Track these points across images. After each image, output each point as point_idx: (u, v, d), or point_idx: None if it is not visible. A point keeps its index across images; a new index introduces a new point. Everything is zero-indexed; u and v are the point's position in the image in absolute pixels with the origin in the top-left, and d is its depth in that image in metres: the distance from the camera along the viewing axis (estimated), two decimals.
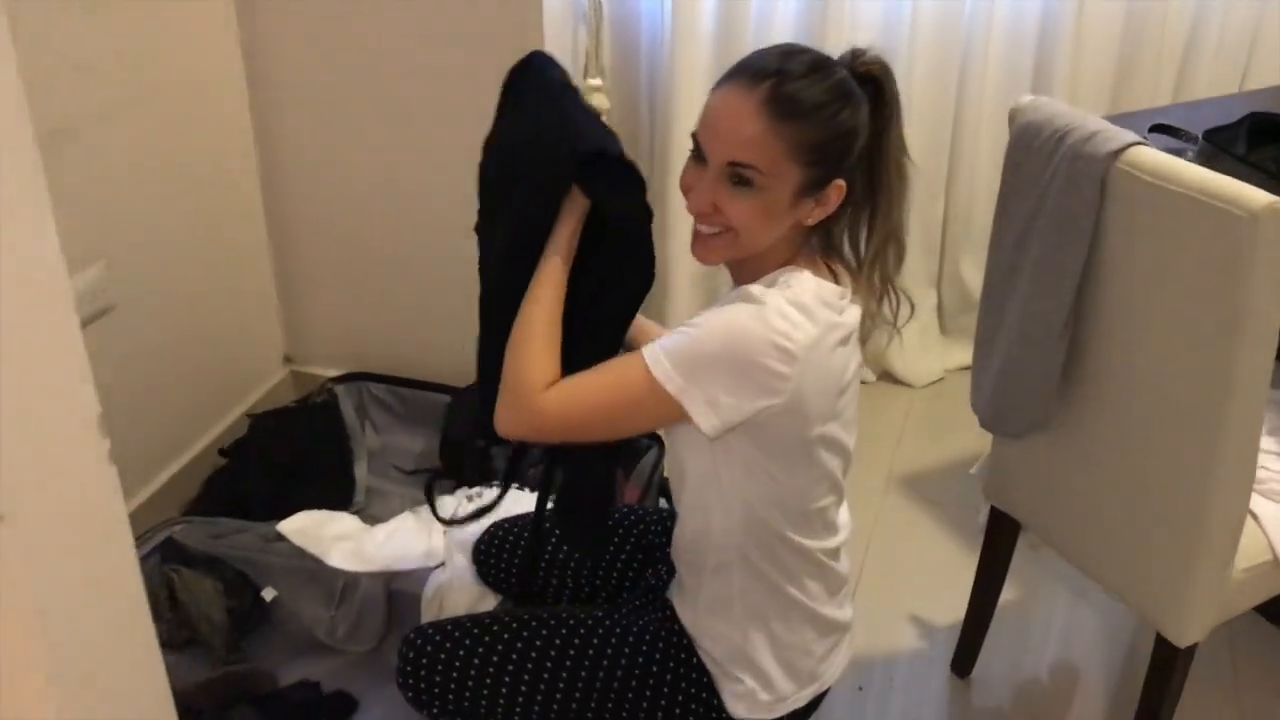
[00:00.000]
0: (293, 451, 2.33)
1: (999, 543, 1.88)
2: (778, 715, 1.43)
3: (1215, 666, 1.96)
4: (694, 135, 1.29)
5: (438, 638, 1.50)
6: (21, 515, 0.97)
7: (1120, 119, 1.75)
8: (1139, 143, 1.38)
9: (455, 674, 1.46)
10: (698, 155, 1.28)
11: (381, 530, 2.05)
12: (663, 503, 2.22)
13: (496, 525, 1.80)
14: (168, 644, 2.02)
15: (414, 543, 2.02)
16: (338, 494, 2.33)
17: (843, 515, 1.45)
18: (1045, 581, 2.17)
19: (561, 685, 1.45)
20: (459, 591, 1.91)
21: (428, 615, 1.92)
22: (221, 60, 2.30)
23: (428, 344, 2.52)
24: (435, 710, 1.47)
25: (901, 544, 2.12)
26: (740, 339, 1.22)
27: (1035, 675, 2.01)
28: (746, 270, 1.34)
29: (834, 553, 1.43)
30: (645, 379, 1.24)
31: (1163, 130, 1.82)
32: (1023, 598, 2.09)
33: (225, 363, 2.45)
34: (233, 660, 1.97)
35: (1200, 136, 1.75)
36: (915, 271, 2.73)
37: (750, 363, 1.21)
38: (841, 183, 1.28)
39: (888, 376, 2.82)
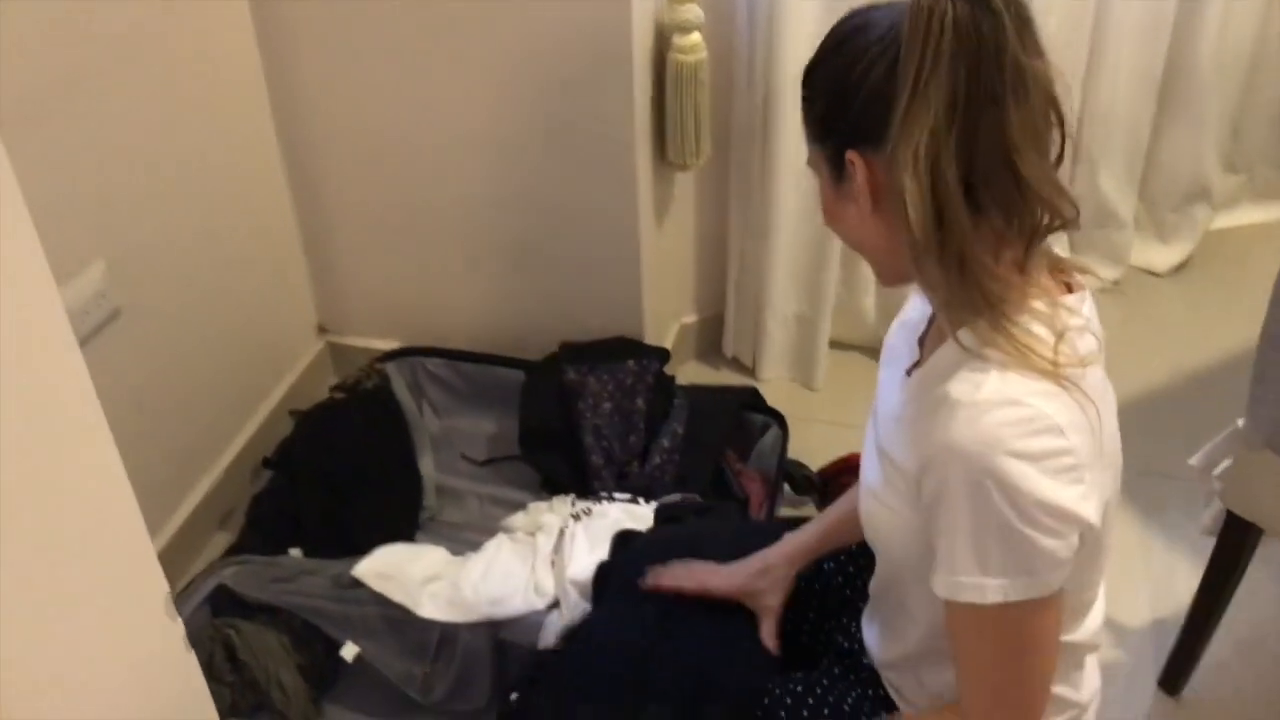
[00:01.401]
0: (347, 453, 1.97)
1: (1235, 551, 1.55)
2: None
3: None
4: None
5: None
6: None
7: None
8: None
9: None
10: None
11: (476, 565, 1.70)
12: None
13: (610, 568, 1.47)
14: (232, 710, 1.70)
15: (516, 577, 1.68)
16: (403, 499, 1.99)
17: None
18: (1266, 577, 1.85)
19: None
20: None
21: None
22: (228, 6, 1.85)
23: (483, 308, 2.14)
24: None
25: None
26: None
27: (1260, 697, 1.72)
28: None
29: (1096, 635, 1.11)
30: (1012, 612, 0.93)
31: None
32: (1249, 604, 1.76)
33: (253, 343, 2.07)
34: None
35: None
36: None
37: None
38: (852, 154, 0.96)
39: None
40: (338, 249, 2.15)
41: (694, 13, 1.81)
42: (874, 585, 1.19)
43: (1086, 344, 0.95)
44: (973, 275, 0.92)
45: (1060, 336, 0.93)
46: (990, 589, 0.93)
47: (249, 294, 2.04)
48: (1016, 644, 0.96)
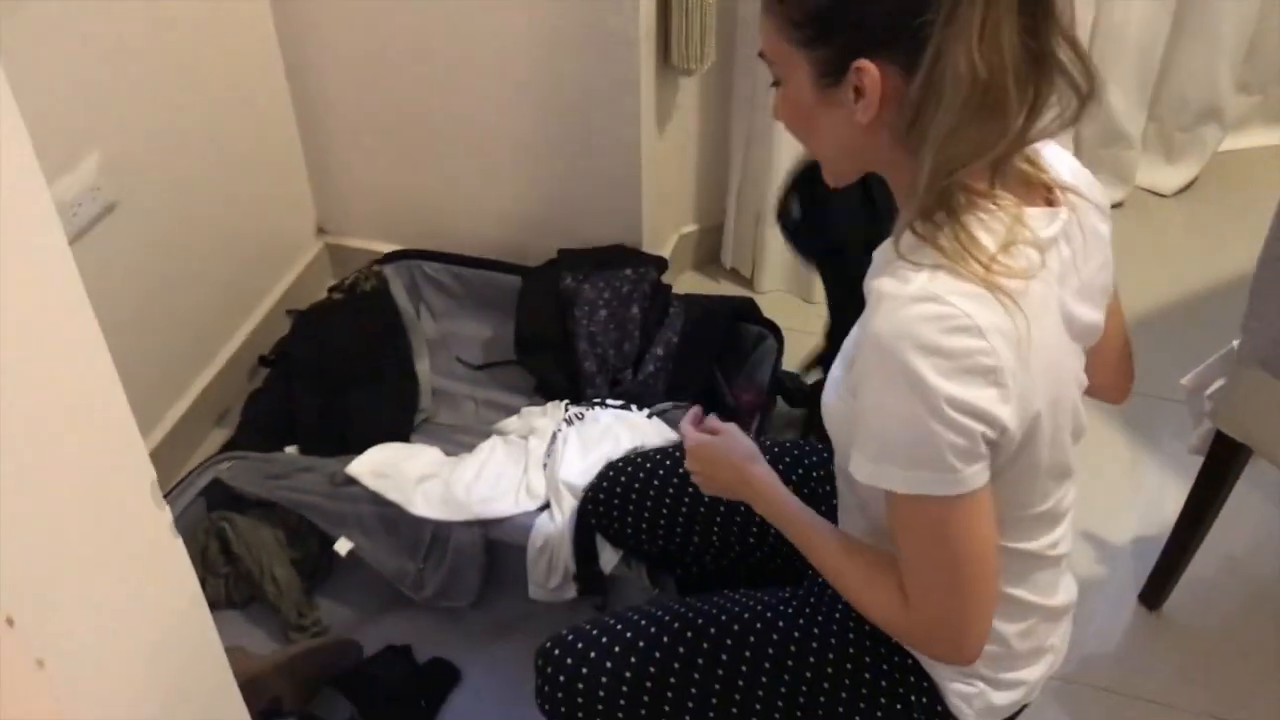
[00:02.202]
0: (343, 351, 1.98)
1: (1222, 471, 1.57)
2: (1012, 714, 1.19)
3: None
4: None
5: (580, 646, 1.22)
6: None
7: None
8: None
9: (605, 691, 1.19)
10: None
11: (469, 466, 1.72)
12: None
13: (610, 465, 1.49)
14: (227, 602, 1.73)
15: (508, 478, 1.70)
16: (400, 399, 2.00)
17: (1069, 496, 1.13)
18: (1262, 507, 1.86)
19: (738, 697, 1.18)
20: (566, 546, 1.61)
21: (536, 570, 1.64)
22: None
23: (482, 212, 2.13)
24: None
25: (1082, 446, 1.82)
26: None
27: (1241, 614, 1.74)
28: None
29: (1054, 548, 1.13)
30: (958, 503, 0.94)
31: None
32: (1235, 524, 1.77)
33: (251, 242, 2.07)
34: (306, 624, 1.69)
35: None
36: None
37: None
38: (865, 63, 0.92)
39: None
40: (338, 150, 2.13)
41: None
42: (838, 479, 1.20)
43: (1028, 258, 0.94)
44: (952, 177, 0.91)
45: (1006, 247, 0.93)
46: (898, 478, 0.94)
47: (247, 194, 2.03)
48: (939, 536, 0.97)
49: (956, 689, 1.14)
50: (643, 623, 1.23)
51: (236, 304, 2.06)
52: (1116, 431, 1.99)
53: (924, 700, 1.15)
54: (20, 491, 0.71)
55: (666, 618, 1.23)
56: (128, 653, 0.87)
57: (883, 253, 1.00)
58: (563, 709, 1.21)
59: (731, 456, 1.19)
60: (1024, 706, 1.20)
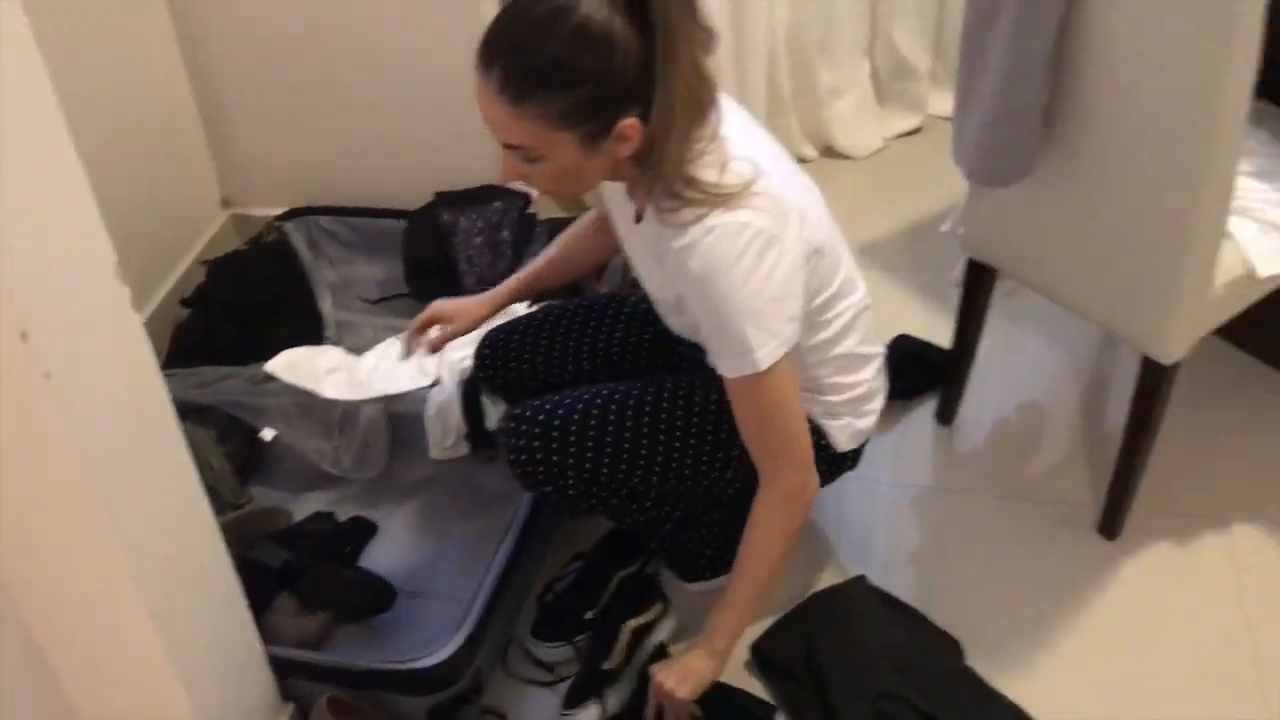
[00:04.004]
0: (254, 294, 2.28)
1: (977, 293, 1.95)
2: (865, 439, 1.62)
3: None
4: None
5: (542, 416, 1.52)
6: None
7: None
8: None
9: (571, 445, 1.50)
10: None
11: (370, 356, 2.04)
12: None
13: (493, 329, 1.81)
14: None
15: (404, 363, 2.01)
16: (307, 331, 2.30)
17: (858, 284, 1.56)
18: (1018, 327, 2.27)
19: (662, 439, 1.52)
20: (456, 409, 1.93)
21: (434, 433, 1.95)
22: None
23: (372, 170, 2.45)
24: (545, 480, 1.51)
25: (874, 312, 2.20)
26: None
27: (1015, 416, 2.13)
28: (637, 197, 1.38)
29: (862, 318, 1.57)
30: (767, 375, 1.33)
31: None
32: (997, 345, 2.19)
33: (158, 217, 2.35)
34: (242, 502, 1.98)
35: None
36: (847, 41, 2.71)
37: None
38: (631, 121, 1.24)
39: (829, 151, 2.84)
40: (235, 125, 2.43)
41: None
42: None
43: (742, 169, 1.30)
44: (689, 164, 1.28)
45: (723, 168, 1.29)
46: (758, 359, 1.31)
47: (151, 172, 2.31)
48: (779, 396, 1.35)
49: (830, 425, 1.56)
50: (592, 397, 1.54)
51: (147, 277, 2.30)
52: (898, 279, 2.38)
53: (815, 438, 1.51)
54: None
55: (612, 391, 1.54)
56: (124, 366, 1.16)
57: (649, 231, 1.35)
58: (537, 458, 1.50)
59: (691, 681, 1.49)
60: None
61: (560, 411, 1.52)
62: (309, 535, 1.90)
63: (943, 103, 2.89)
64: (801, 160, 2.80)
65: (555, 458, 1.50)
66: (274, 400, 1.98)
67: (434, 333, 1.71)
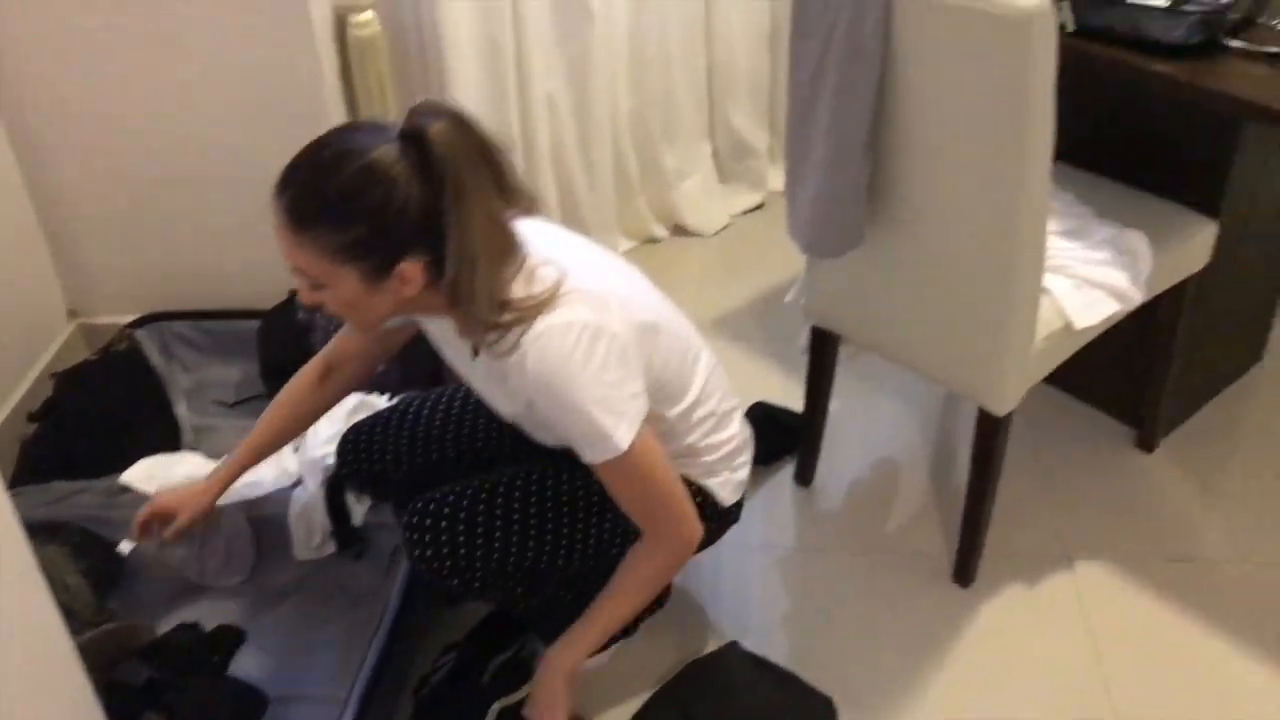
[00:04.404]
0: (107, 404, 2.23)
1: (823, 358, 2.04)
2: (744, 489, 1.69)
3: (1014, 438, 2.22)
4: None
5: (446, 509, 1.54)
6: None
7: None
8: None
9: (478, 536, 1.52)
10: None
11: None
12: None
13: (353, 426, 1.81)
14: None
15: (265, 466, 1.99)
16: (164, 439, 2.26)
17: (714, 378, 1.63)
18: (866, 387, 2.38)
19: (565, 520, 1.56)
20: (321, 509, 1.92)
21: (298, 534, 1.93)
22: None
23: (222, 272, 2.44)
24: (452, 574, 1.53)
25: (731, 381, 2.28)
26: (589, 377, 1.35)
27: (870, 473, 2.22)
28: (467, 334, 1.40)
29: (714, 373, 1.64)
30: (629, 453, 1.38)
31: None
32: (847, 405, 2.28)
33: (1, 331, 2.29)
34: (101, 620, 1.91)
35: None
36: (688, 124, 2.83)
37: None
38: (412, 264, 1.30)
39: (679, 230, 2.94)
40: (79, 233, 2.40)
41: (370, 27, 2.19)
42: None
43: (547, 274, 1.36)
44: (499, 294, 1.33)
45: (530, 278, 1.36)
46: (617, 441, 1.36)
47: None
48: (647, 466, 1.42)
49: (711, 484, 1.62)
50: (490, 484, 1.57)
51: None
52: (751, 348, 2.47)
53: (701, 499, 1.59)
54: None
55: (506, 479, 1.58)
56: None
57: (487, 361, 1.40)
58: (433, 550, 1.51)
59: (559, 705, 1.57)
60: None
61: (463, 504, 1.54)
62: (174, 648, 1.84)
63: (782, 179, 3.00)
64: (652, 240, 2.89)
65: (463, 550, 1.52)
66: (131, 512, 1.92)
67: (168, 530, 1.76)
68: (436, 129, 1.25)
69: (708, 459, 1.62)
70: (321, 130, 1.33)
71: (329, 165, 1.27)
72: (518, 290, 1.34)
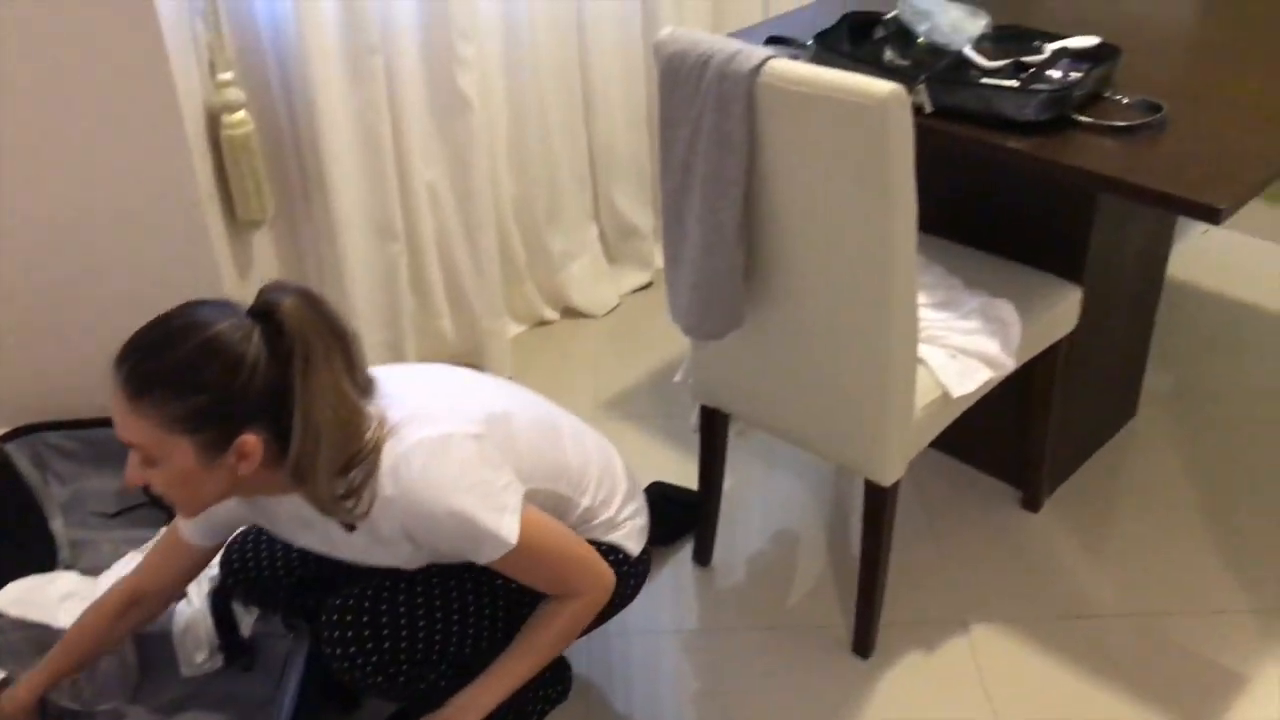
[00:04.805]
0: None
1: (714, 436, 2.05)
2: (648, 533, 1.73)
3: (906, 506, 2.26)
4: None
5: (367, 604, 1.52)
6: None
7: (739, 36, 1.93)
8: (772, 55, 1.54)
9: (402, 630, 1.51)
10: None
11: (108, 576, 1.93)
12: None
13: (243, 536, 1.77)
14: None
15: None
16: (39, 557, 2.16)
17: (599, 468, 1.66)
18: (759, 462, 2.39)
19: (486, 605, 1.56)
20: (207, 622, 1.86)
21: (184, 650, 1.87)
22: None
23: (98, 376, 2.35)
24: (375, 671, 1.51)
25: (626, 460, 2.28)
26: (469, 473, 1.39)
27: (767, 548, 2.23)
28: (332, 513, 1.39)
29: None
30: (521, 541, 1.41)
31: (777, 41, 2.01)
32: (741, 481, 2.30)
33: None
34: None
35: (811, 41, 1.96)
36: (573, 207, 2.86)
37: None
38: (251, 438, 1.28)
39: (570, 312, 2.94)
40: None
41: (235, 94, 2.17)
42: None
43: (370, 411, 1.37)
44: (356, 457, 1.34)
45: (380, 421, 1.36)
46: (505, 535, 1.38)
47: None
48: (543, 543, 1.44)
49: (617, 538, 1.64)
50: (405, 585, 1.54)
51: None
52: (644, 427, 2.47)
53: (613, 556, 1.61)
54: None
55: (421, 578, 1.55)
56: None
57: (362, 528, 1.40)
58: (352, 649, 1.50)
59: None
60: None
61: (382, 599, 1.52)
62: None
63: None
64: (543, 323, 2.90)
65: (387, 644, 1.50)
66: (2, 639, 1.85)
67: None
68: (288, 304, 1.26)
69: (605, 516, 1.64)
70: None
71: (172, 336, 1.26)
72: (356, 445, 1.35)
